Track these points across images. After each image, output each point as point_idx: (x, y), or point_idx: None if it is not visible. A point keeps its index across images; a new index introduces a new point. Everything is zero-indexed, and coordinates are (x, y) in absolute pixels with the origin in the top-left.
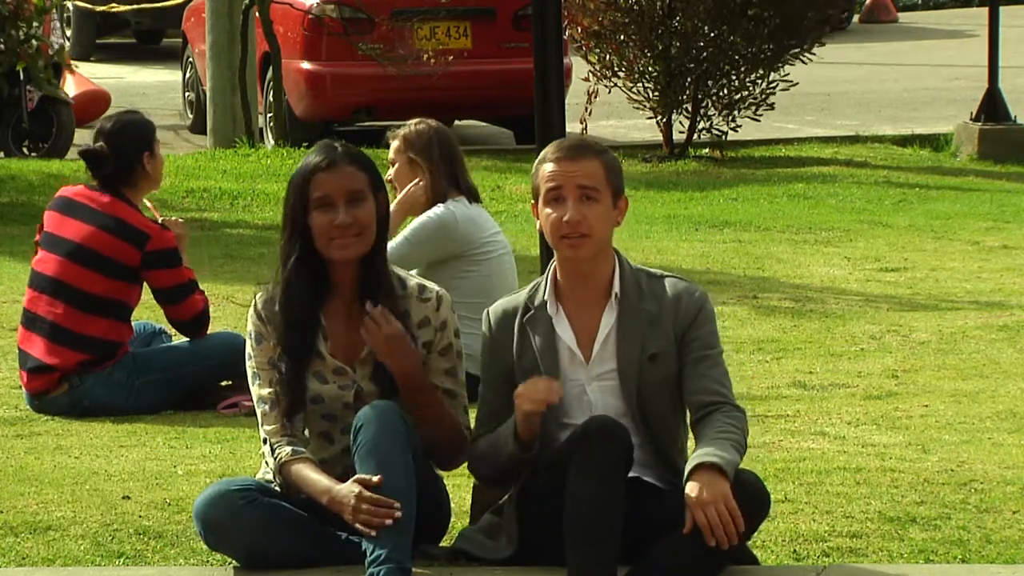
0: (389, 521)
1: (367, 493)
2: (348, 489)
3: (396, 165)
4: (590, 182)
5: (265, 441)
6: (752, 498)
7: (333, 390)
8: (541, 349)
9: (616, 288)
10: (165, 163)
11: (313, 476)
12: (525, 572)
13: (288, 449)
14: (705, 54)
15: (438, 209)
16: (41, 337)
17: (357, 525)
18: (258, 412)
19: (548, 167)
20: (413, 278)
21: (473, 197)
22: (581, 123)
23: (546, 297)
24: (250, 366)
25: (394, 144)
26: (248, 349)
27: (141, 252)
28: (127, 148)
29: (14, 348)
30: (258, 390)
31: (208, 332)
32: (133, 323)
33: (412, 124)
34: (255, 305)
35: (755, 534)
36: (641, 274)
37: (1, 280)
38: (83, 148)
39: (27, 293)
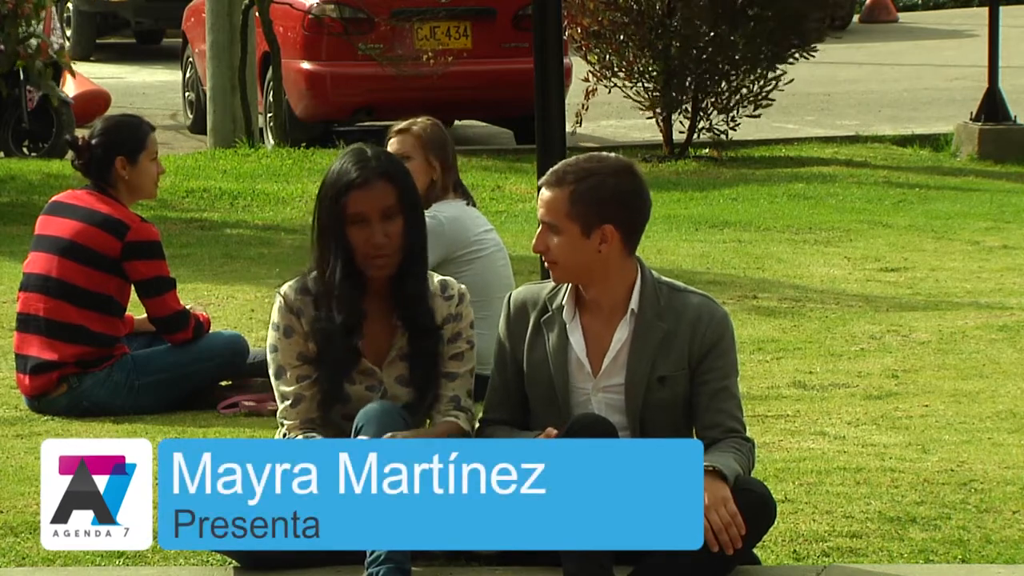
0: None
1: None
2: None
3: (412, 160)
4: (548, 217)
5: (284, 436)
6: (758, 506)
7: (360, 391)
8: (552, 352)
9: (633, 303)
10: (158, 178)
11: None
12: (525, 572)
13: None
14: (705, 54)
15: (436, 212)
16: (36, 335)
17: None
18: (280, 407)
19: None
20: (435, 276)
21: (469, 198)
22: (576, 118)
23: (564, 302)
24: (274, 359)
25: (406, 140)
26: (272, 341)
27: (122, 242)
28: (104, 145)
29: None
30: (282, 386)
31: (199, 336)
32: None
33: (422, 121)
34: (285, 297)
35: None
36: (663, 288)
37: (1, 280)
38: (71, 136)
39: (19, 298)
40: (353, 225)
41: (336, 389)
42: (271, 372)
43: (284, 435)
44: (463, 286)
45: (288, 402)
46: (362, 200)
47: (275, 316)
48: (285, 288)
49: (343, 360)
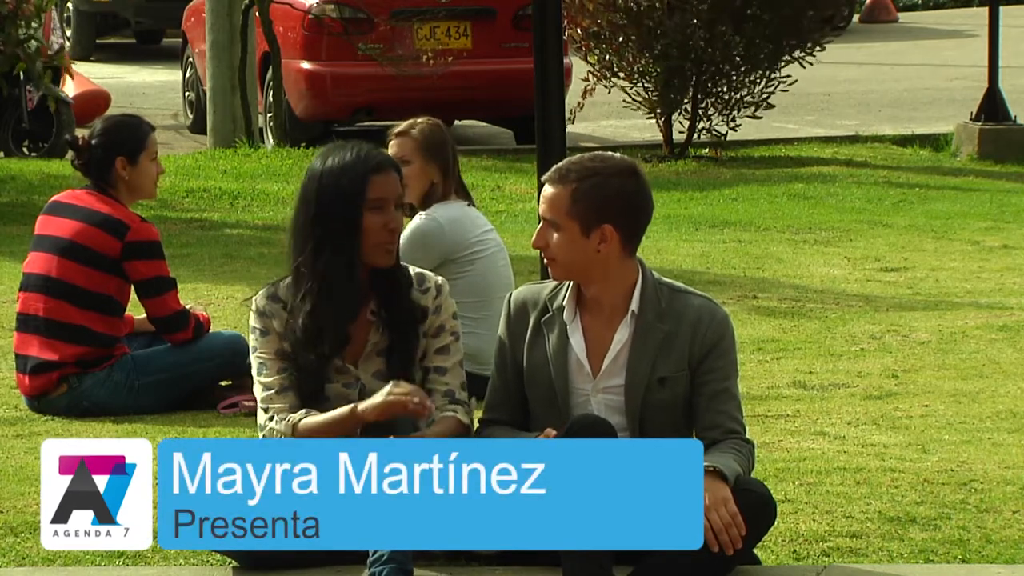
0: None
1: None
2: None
3: (411, 164)
4: (549, 214)
5: (272, 419)
6: (759, 506)
7: (337, 388)
8: (552, 353)
9: (634, 304)
10: (158, 178)
11: (329, 414)
12: (525, 572)
13: (302, 412)
14: (705, 54)
15: (418, 220)
16: (36, 335)
17: (391, 396)
18: (261, 396)
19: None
20: (411, 269)
21: (470, 198)
22: (570, 115)
23: (565, 303)
24: (256, 357)
25: (405, 143)
26: (253, 343)
27: (122, 242)
28: (104, 146)
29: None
30: (264, 379)
31: (199, 336)
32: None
33: (421, 123)
34: (256, 304)
35: None
36: (664, 289)
37: (1, 280)
38: (70, 136)
39: (19, 297)
40: (371, 212)
41: (318, 387)
42: (253, 371)
43: (271, 419)
44: (440, 278)
45: (272, 391)
46: (383, 185)
47: (251, 320)
48: (256, 297)
49: (330, 353)
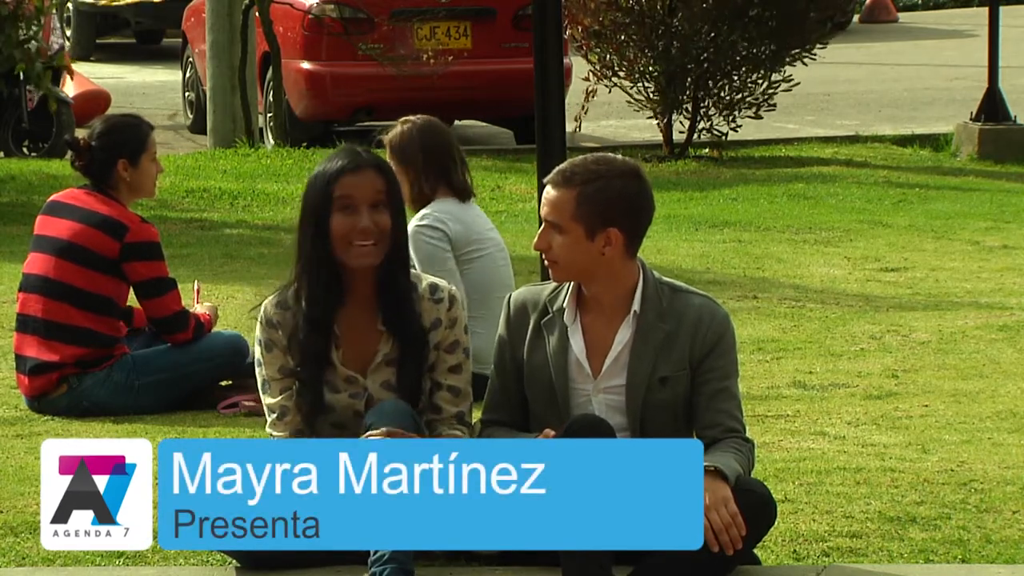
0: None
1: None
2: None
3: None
4: (553, 216)
5: None
6: (759, 506)
7: (344, 399)
8: (553, 354)
9: (636, 305)
10: (157, 177)
11: None
12: (524, 572)
13: None
14: (706, 54)
15: (416, 219)
16: (35, 336)
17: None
18: (268, 419)
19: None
20: (426, 278)
21: (465, 195)
22: (575, 121)
23: (565, 304)
24: (260, 374)
25: (385, 149)
26: (258, 356)
27: (120, 243)
28: (106, 147)
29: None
30: (268, 399)
31: (199, 336)
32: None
33: (396, 129)
34: (264, 312)
35: None
36: (664, 288)
37: (1, 280)
38: (70, 137)
39: (19, 298)
40: (339, 212)
41: (317, 398)
42: (259, 386)
43: None
44: (453, 288)
45: (275, 415)
46: (351, 185)
47: (257, 331)
48: (265, 303)
49: (318, 359)
